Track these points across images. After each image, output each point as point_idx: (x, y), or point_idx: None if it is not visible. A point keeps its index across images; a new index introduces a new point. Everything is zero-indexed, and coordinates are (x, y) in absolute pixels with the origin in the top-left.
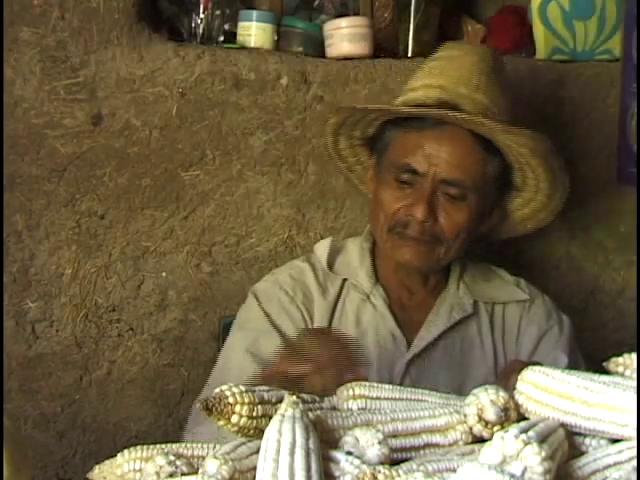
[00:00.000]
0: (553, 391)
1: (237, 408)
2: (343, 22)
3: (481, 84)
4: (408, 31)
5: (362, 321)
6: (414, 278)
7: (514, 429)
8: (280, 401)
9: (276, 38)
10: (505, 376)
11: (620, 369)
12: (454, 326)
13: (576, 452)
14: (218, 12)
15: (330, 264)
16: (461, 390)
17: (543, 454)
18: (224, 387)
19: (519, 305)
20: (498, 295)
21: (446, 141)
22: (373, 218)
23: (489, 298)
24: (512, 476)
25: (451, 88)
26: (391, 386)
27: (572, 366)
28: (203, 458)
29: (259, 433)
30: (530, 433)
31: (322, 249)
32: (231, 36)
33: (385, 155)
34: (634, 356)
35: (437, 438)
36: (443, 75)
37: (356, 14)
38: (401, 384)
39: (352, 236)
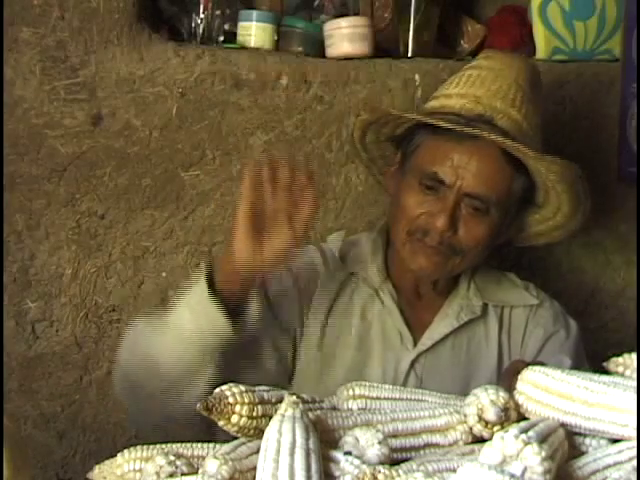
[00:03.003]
0: (553, 391)
1: (237, 408)
2: (343, 22)
3: (517, 100)
4: (408, 31)
5: (368, 315)
6: (426, 280)
7: (514, 429)
8: (280, 401)
9: (276, 38)
10: (507, 376)
11: (620, 369)
12: (462, 327)
13: (576, 452)
14: (218, 12)
15: (342, 256)
16: (465, 391)
17: (543, 454)
18: (224, 387)
19: (526, 308)
20: (508, 298)
21: (476, 155)
22: (393, 217)
23: (499, 301)
24: (512, 476)
25: (487, 101)
26: (391, 386)
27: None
28: (203, 458)
29: (259, 433)
30: (530, 433)
31: (335, 241)
32: (231, 36)
33: (412, 157)
34: (634, 356)
35: (437, 438)
36: (481, 86)
37: (356, 14)
38: (405, 382)
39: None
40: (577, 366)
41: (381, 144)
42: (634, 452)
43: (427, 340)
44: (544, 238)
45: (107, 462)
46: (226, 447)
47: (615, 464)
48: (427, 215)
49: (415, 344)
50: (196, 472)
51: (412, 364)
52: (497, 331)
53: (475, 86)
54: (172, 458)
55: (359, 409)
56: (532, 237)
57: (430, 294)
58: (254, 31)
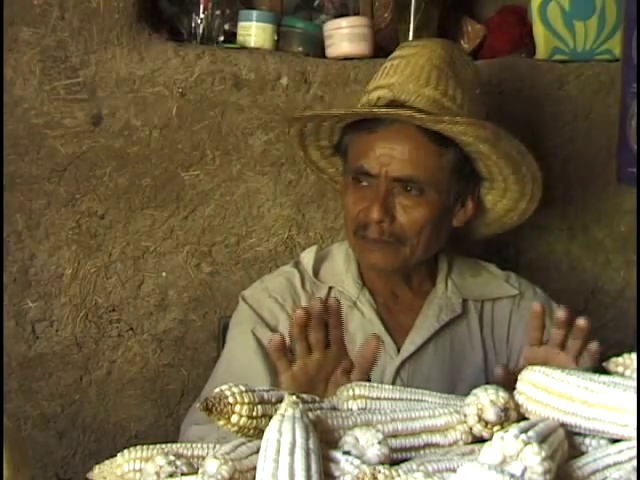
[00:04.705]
0: (553, 391)
1: (237, 408)
2: (343, 22)
3: (431, 78)
4: (408, 31)
5: (350, 328)
6: (398, 280)
7: (514, 429)
8: (280, 401)
9: (276, 38)
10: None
11: (620, 369)
12: (443, 327)
13: (576, 452)
14: (218, 12)
15: (316, 272)
16: (453, 392)
17: (543, 454)
18: (224, 387)
19: (509, 300)
20: (487, 291)
21: (395, 139)
22: (344, 224)
23: (478, 295)
24: (512, 476)
25: (399, 87)
26: (391, 386)
27: None
28: (203, 458)
29: (259, 433)
30: (530, 433)
31: (308, 257)
32: (231, 36)
33: (346, 159)
34: (634, 356)
35: (437, 438)
36: (394, 74)
37: (356, 14)
38: None
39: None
40: None
41: (330, 160)
42: (634, 452)
43: (409, 345)
44: (515, 214)
45: (107, 462)
46: (226, 447)
47: (615, 464)
48: (364, 210)
49: (398, 351)
50: (196, 472)
51: (397, 372)
52: (479, 328)
53: (389, 76)
54: (172, 458)
55: (359, 409)
56: (503, 217)
57: (407, 295)
58: (254, 31)
